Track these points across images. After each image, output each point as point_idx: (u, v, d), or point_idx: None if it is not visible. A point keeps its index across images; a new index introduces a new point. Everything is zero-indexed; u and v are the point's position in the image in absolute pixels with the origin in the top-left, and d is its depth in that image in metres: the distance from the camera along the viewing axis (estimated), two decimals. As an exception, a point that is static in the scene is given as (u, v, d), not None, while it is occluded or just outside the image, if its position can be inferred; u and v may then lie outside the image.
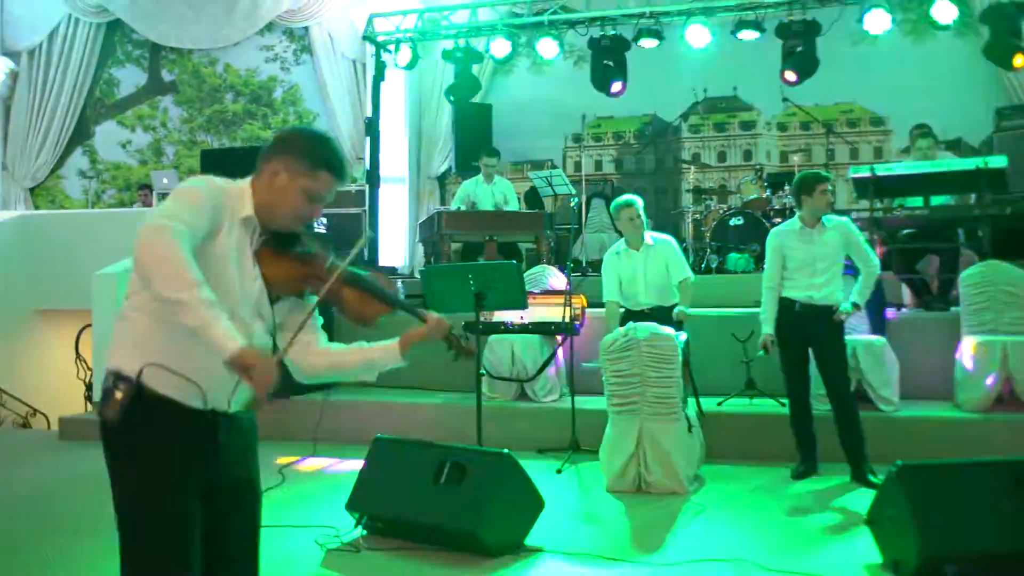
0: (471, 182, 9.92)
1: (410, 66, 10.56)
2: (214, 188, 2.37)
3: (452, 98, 11.19)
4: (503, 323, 7.42)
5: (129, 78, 14.25)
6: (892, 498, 4.07)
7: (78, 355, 9.97)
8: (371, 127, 10.83)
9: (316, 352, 2.60)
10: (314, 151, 2.44)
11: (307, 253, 2.50)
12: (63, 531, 5.11)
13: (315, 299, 2.47)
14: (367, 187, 10.67)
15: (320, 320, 2.63)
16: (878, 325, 6.98)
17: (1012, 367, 6.35)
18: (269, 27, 13.53)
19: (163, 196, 12.01)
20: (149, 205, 12.13)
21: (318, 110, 13.45)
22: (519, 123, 12.43)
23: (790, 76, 9.79)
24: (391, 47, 10.72)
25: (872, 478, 5.48)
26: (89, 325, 8.78)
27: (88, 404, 9.46)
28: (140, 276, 2.28)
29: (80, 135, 14.33)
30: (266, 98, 13.63)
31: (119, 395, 2.31)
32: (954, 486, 4.00)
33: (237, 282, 2.38)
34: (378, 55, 10.74)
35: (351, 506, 4.87)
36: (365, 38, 10.89)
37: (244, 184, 2.45)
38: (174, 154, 14.01)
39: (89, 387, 9.46)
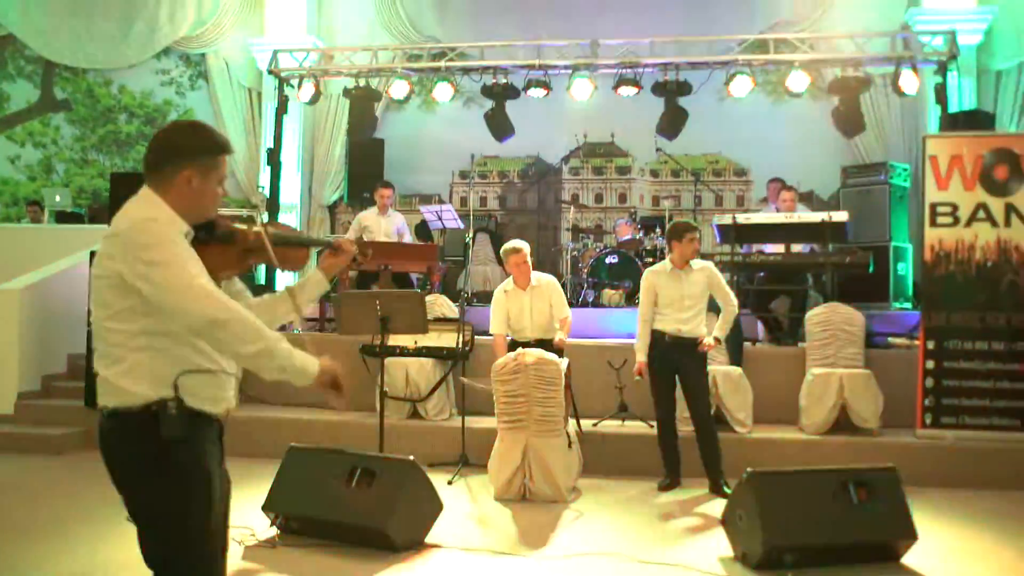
0: (367, 213, 10.34)
1: (312, 101, 10.97)
2: (174, 228, 2.47)
3: (351, 136, 11.72)
4: (399, 347, 7.91)
5: (20, 93, 14.15)
6: (742, 500, 4.83)
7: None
8: (273, 157, 11.16)
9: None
10: (209, 144, 2.57)
11: (229, 233, 2.63)
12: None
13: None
14: (266, 214, 11.01)
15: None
16: (736, 357, 7.77)
17: (848, 395, 7.22)
18: (166, 51, 13.67)
19: (55, 214, 12.07)
20: (39, 221, 12.15)
21: (212, 136, 13.65)
22: (410, 158, 13.03)
23: (665, 134, 10.69)
24: (294, 81, 11.10)
25: (727, 489, 6.21)
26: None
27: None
28: (207, 337, 2.41)
29: (-34, 148, 14.10)
30: (160, 121, 13.72)
31: (172, 413, 2.43)
32: (792, 490, 4.80)
33: None
34: (280, 89, 11.10)
35: (267, 507, 5.32)
36: (269, 72, 11.24)
37: (162, 206, 2.49)
38: (64, 171, 13.97)
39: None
